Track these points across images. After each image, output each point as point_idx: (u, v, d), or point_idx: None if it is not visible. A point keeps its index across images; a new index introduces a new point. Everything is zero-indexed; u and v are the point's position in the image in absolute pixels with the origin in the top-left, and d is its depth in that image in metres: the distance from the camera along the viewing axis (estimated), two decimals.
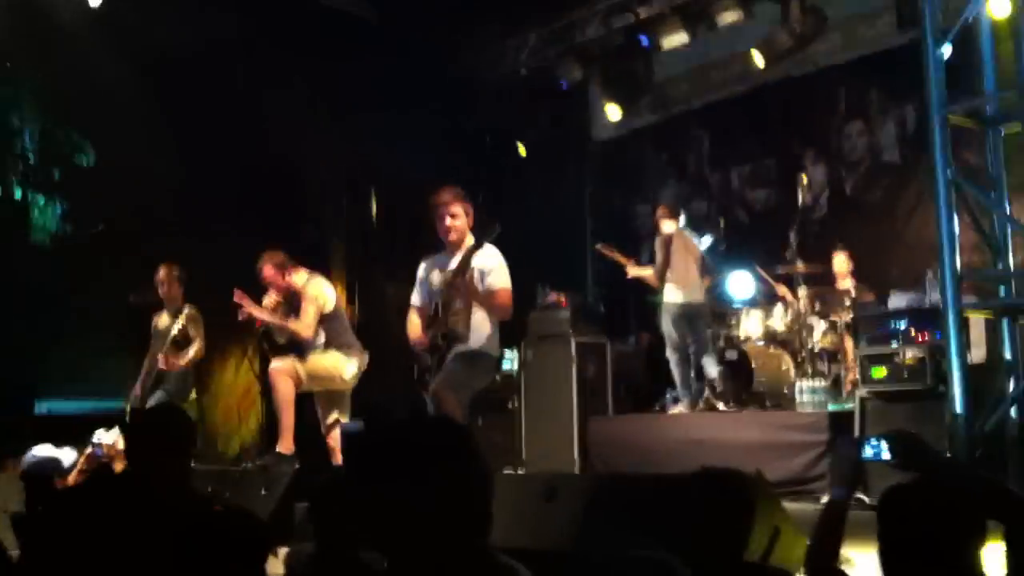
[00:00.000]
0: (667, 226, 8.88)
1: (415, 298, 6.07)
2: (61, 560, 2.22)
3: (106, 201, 8.88)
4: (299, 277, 7.01)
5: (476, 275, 5.66)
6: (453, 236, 5.82)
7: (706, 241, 9.08)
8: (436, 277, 5.88)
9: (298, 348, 6.94)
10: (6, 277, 8.48)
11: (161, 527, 2.79)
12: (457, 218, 5.81)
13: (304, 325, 6.84)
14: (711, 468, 3.28)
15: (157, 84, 8.85)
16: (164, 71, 8.87)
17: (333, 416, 7.01)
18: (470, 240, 5.74)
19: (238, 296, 6.87)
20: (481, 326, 5.72)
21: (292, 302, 7.00)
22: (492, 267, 5.69)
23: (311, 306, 6.89)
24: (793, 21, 9.13)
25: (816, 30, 9.28)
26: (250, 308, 6.87)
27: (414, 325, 5.96)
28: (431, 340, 5.75)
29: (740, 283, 9.18)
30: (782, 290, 8.88)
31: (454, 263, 5.73)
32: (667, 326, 8.74)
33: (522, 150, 11.25)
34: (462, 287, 5.55)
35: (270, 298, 7.05)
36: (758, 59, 9.54)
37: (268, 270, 6.95)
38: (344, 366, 6.94)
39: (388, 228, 11.23)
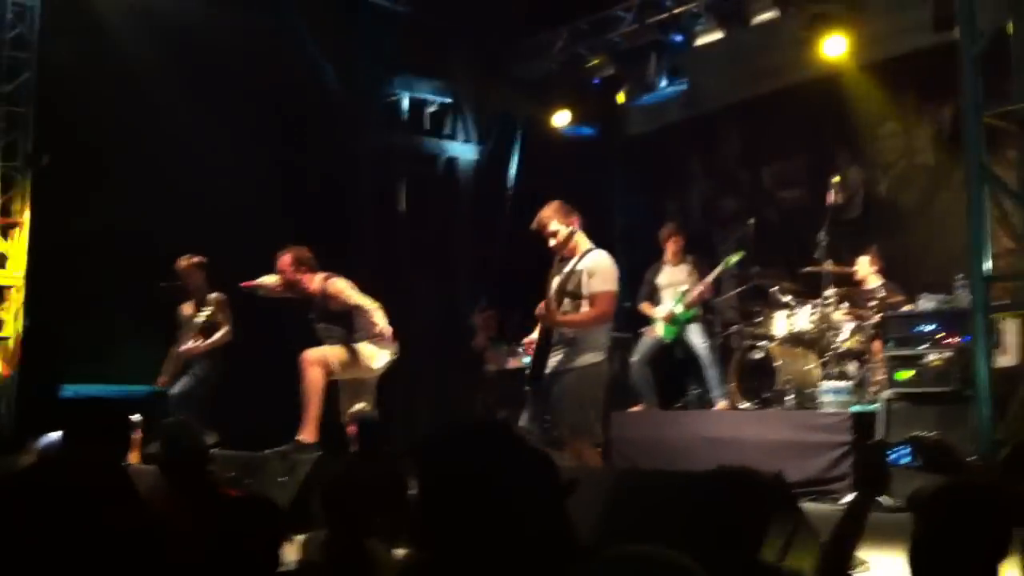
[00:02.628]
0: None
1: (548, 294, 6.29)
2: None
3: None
4: (315, 279, 7.07)
5: (584, 277, 5.90)
6: (563, 252, 6.04)
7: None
8: (554, 283, 6.05)
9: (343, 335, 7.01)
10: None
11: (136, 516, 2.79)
12: (556, 235, 6.02)
13: (367, 302, 6.97)
14: (728, 467, 3.27)
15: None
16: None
17: (358, 406, 7.06)
18: (583, 245, 6.03)
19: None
20: (587, 333, 5.89)
21: (323, 305, 7.06)
22: (595, 271, 5.91)
23: (347, 290, 6.98)
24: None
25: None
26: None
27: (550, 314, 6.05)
28: (538, 341, 5.98)
29: None
30: (787, 287, 8.89)
31: (567, 267, 5.99)
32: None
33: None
34: (553, 311, 5.84)
35: (271, 279, 7.16)
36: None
37: (285, 260, 7.03)
38: (375, 355, 7.01)
39: (418, 224, 11.27)
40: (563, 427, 5.80)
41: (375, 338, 7.02)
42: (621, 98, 10.69)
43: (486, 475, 1.90)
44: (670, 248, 9.27)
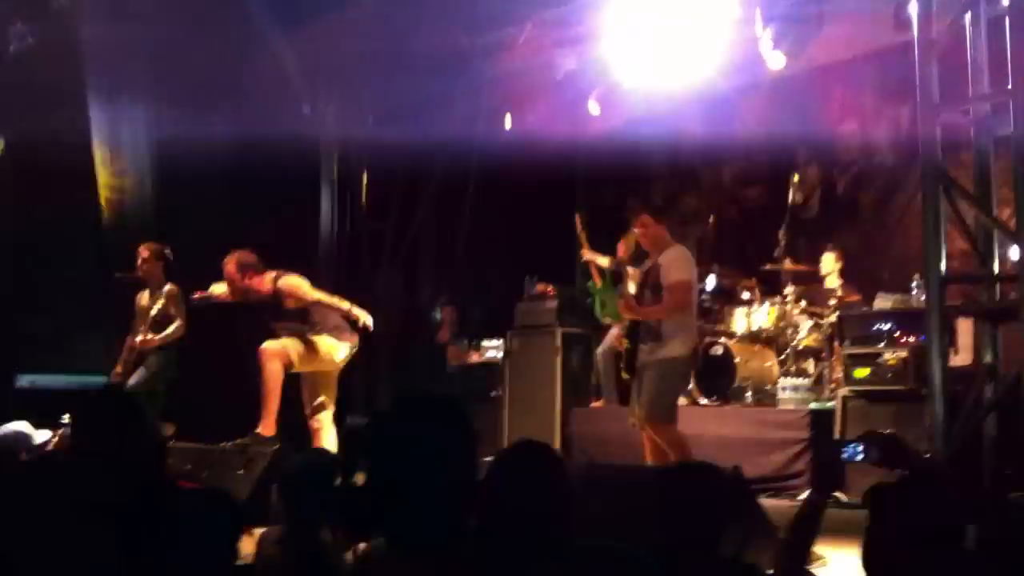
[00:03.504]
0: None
1: (637, 290, 6.72)
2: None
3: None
4: (265, 280, 7.01)
5: (663, 271, 6.25)
6: (650, 248, 6.48)
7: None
8: (635, 277, 6.60)
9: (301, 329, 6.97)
10: None
11: (111, 506, 2.77)
12: (642, 235, 6.54)
13: (321, 296, 6.99)
14: (687, 462, 3.30)
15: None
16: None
17: (319, 399, 7.03)
18: (664, 240, 6.41)
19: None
20: (671, 324, 6.23)
21: (278, 304, 7.01)
22: (672, 263, 6.28)
23: (303, 286, 6.94)
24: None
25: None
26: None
27: (630, 307, 6.59)
28: (627, 330, 6.44)
29: None
30: (746, 284, 8.94)
31: (649, 263, 6.49)
32: None
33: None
34: (634, 304, 6.39)
35: (221, 288, 7.10)
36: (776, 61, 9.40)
37: (229, 269, 6.98)
38: (335, 348, 6.97)
39: (378, 214, 11.22)
40: (643, 414, 6.20)
41: (334, 331, 7.00)
42: (594, 109, 10.71)
43: (431, 452, 1.90)
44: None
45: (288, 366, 6.78)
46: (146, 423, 3.67)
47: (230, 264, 6.98)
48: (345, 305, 6.94)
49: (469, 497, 1.96)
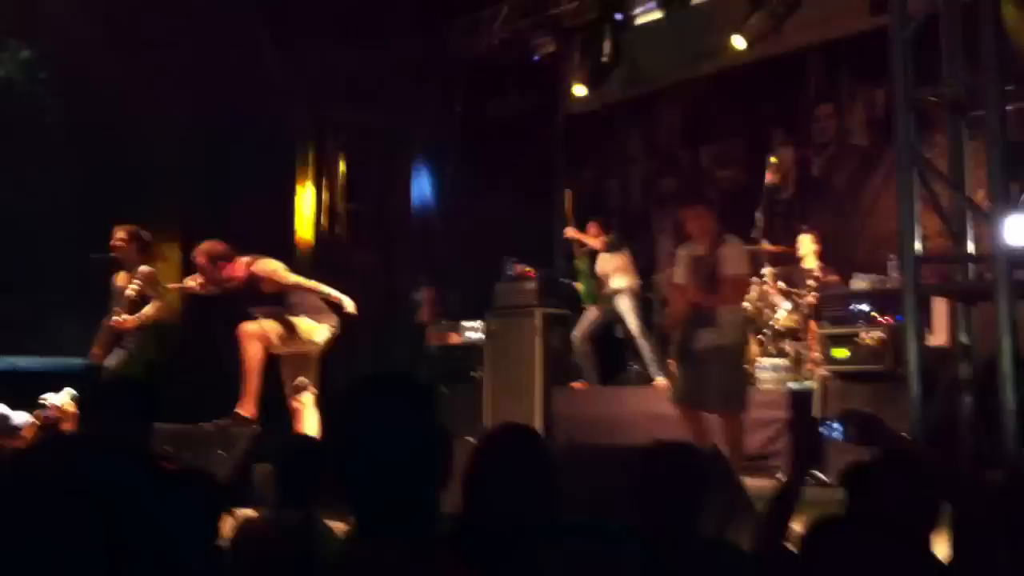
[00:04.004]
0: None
1: (678, 276, 6.82)
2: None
3: None
4: (239, 266, 6.96)
5: (722, 262, 6.49)
6: (699, 237, 6.67)
7: None
8: (697, 263, 6.61)
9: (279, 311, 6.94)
10: None
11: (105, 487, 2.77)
12: (694, 224, 6.71)
13: (299, 280, 6.99)
14: (665, 441, 3.32)
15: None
16: None
17: (300, 380, 7.00)
18: (717, 232, 6.60)
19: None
20: (727, 311, 6.50)
21: (255, 289, 6.98)
22: (730, 256, 6.53)
23: (279, 270, 6.92)
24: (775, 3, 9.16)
25: (791, 8, 9.31)
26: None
27: (675, 302, 6.96)
28: (682, 318, 6.60)
29: None
30: None
31: (709, 255, 6.58)
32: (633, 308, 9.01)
33: None
34: (695, 292, 6.52)
35: (196, 280, 7.07)
36: (738, 42, 9.54)
37: (200, 260, 6.95)
38: (315, 329, 6.94)
39: (356, 195, 11.20)
40: (714, 399, 6.38)
41: (313, 312, 6.97)
42: (577, 90, 10.73)
43: (389, 431, 1.90)
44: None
45: (268, 347, 6.75)
46: (151, 409, 3.70)
47: (200, 257, 6.92)
48: (325, 290, 6.92)
49: (436, 476, 1.95)
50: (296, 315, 6.92)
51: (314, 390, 7.01)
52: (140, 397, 3.82)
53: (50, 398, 5.74)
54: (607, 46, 10.15)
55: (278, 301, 6.93)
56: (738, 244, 6.77)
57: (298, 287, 6.92)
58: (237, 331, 6.74)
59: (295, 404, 6.92)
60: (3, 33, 8.70)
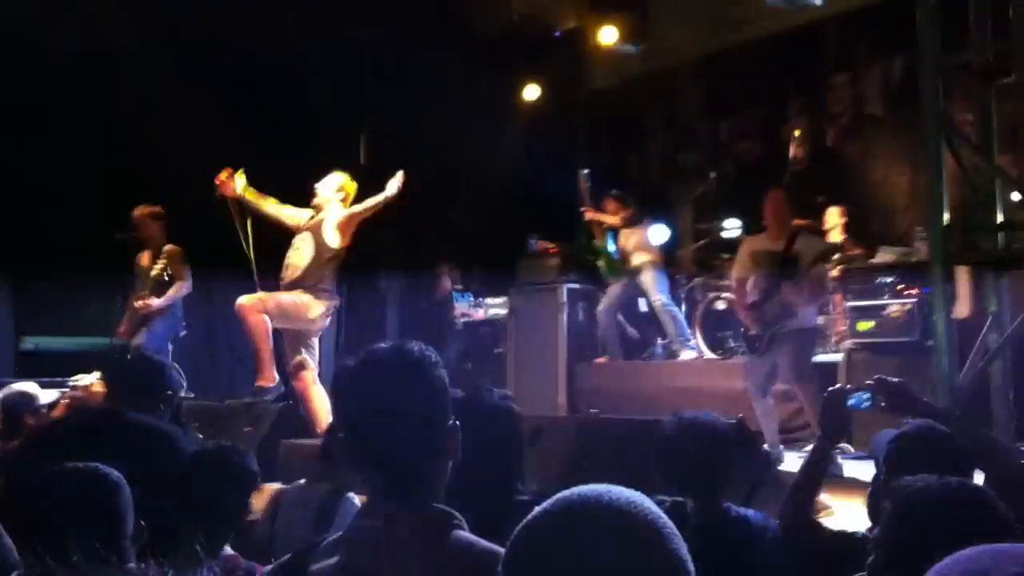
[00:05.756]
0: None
1: (740, 272, 6.68)
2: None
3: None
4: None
5: (803, 257, 6.30)
6: (774, 224, 6.52)
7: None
8: (761, 258, 6.46)
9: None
10: None
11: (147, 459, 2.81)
12: (772, 212, 6.54)
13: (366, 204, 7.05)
14: (688, 413, 3.31)
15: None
16: None
17: (298, 358, 6.93)
18: (792, 222, 6.49)
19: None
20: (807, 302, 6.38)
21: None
22: (812, 252, 6.37)
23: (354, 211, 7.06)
24: None
25: None
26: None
27: (739, 298, 6.70)
28: (761, 319, 6.37)
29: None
30: None
31: (779, 246, 6.38)
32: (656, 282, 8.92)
33: None
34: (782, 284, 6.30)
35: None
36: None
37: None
38: (311, 306, 6.88)
39: (377, 174, 11.18)
40: (791, 375, 6.32)
41: (312, 289, 6.89)
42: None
43: (392, 404, 1.90)
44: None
45: (269, 316, 6.71)
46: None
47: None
48: (376, 200, 6.96)
49: (438, 450, 1.96)
50: (294, 289, 6.87)
51: (312, 367, 6.93)
52: (169, 375, 3.85)
53: (80, 379, 5.78)
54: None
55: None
56: (817, 239, 6.67)
57: (367, 211, 6.96)
58: (237, 307, 6.71)
59: (297, 384, 6.85)
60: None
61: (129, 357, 5.46)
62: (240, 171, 7.04)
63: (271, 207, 7.12)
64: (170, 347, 7.73)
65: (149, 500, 2.38)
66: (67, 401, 5.40)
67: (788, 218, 6.55)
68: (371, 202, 6.91)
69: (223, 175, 6.99)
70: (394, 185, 6.82)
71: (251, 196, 7.04)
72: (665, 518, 1.25)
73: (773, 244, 6.42)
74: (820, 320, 6.60)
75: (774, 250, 6.36)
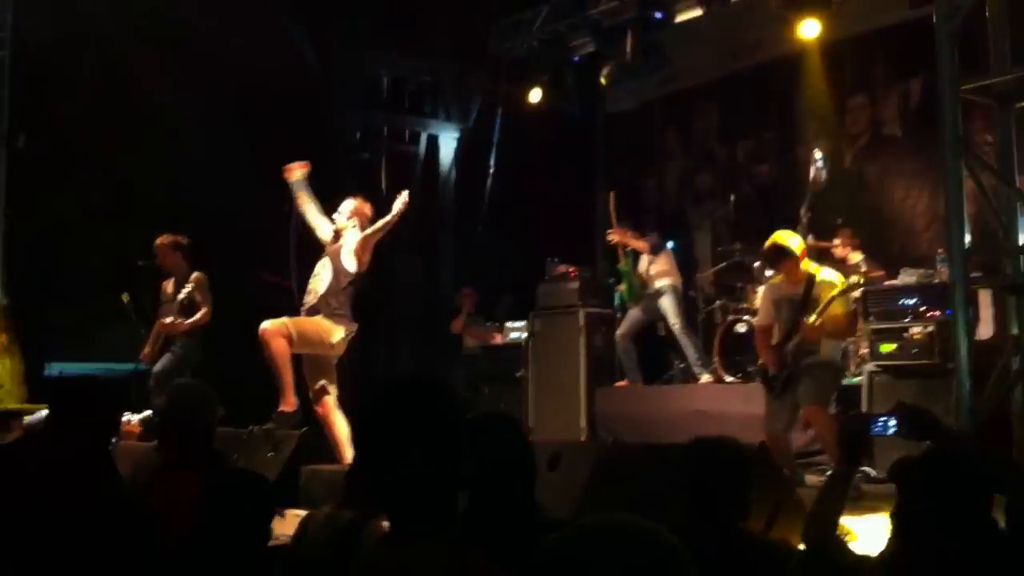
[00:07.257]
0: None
1: (763, 319, 6.50)
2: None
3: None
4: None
5: (821, 294, 6.11)
6: (793, 278, 6.28)
7: None
8: (783, 305, 6.29)
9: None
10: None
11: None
12: (789, 270, 6.29)
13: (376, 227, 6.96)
14: (707, 438, 3.31)
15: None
16: None
17: (319, 383, 6.94)
18: (810, 270, 6.21)
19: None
20: (828, 343, 6.18)
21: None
22: (826, 295, 6.10)
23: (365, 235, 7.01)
24: None
25: None
26: None
27: (763, 344, 6.47)
28: (782, 359, 6.21)
29: None
30: None
31: (799, 291, 6.21)
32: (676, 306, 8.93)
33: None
34: (802, 327, 6.12)
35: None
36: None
37: None
38: (332, 331, 6.90)
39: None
40: (803, 396, 6.11)
41: (332, 316, 6.91)
42: (604, 79, 10.68)
43: (412, 435, 1.92)
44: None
45: (291, 341, 6.73)
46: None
47: None
48: (385, 221, 6.96)
49: (457, 478, 1.97)
50: (313, 315, 6.90)
51: (334, 391, 6.95)
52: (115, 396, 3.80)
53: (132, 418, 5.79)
54: (629, 43, 10.06)
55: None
56: (832, 275, 6.41)
57: (376, 233, 6.98)
58: (260, 332, 6.73)
59: (319, 410, 6.87)
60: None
61: (72, 379, 5.43)
62: (307, 165, 7.15)
63: (311, 210, 7.18)
64: (189, 373, 7.77)
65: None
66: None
67: (800, 269, 6.33)
68: (379, 224, 6.94)
69: (295, 164, 7.11)
70: (399, 205, 6.85)
71: (301, 189, 7.12)
72: (682, 549, 1.26)
73: (794, 290, 6.30)
74: (840, 357, 6.45)
75: (795, 297, 6.26)
